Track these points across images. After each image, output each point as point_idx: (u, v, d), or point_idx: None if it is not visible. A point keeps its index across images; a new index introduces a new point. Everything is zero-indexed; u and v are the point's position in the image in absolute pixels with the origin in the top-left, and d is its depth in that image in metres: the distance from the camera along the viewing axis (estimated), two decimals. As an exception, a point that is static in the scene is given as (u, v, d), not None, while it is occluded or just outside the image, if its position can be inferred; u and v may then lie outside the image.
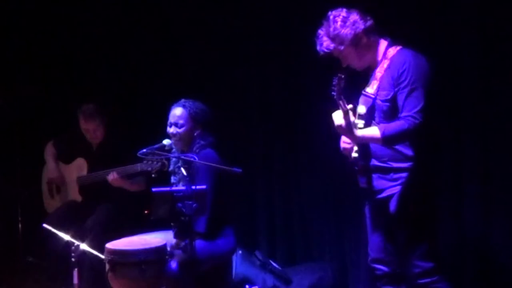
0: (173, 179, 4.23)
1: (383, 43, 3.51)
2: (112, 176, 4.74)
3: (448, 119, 4.18)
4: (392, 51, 3.47)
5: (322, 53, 3.50)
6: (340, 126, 3.34)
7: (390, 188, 3.47)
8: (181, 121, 4.17)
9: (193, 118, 4.18)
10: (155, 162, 4.21)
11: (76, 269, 3.93)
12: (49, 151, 5.24)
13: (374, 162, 3.51)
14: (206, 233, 4.00)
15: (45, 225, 4.23)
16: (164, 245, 3.97)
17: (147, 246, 3.96)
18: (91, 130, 5.01)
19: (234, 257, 4.59)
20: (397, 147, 3.43)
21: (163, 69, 5.58)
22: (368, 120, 3.47)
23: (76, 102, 5.14)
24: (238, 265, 4.75)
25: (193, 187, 3.71)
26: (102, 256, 3.98)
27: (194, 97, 4.29)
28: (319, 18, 3.60)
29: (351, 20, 3.42)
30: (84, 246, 4.00)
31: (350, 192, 4.68)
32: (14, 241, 5.60)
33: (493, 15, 4.01)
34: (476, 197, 4.16)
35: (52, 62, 5.94)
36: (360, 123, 3.42)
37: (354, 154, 3.53)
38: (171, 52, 5.54)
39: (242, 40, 5.17)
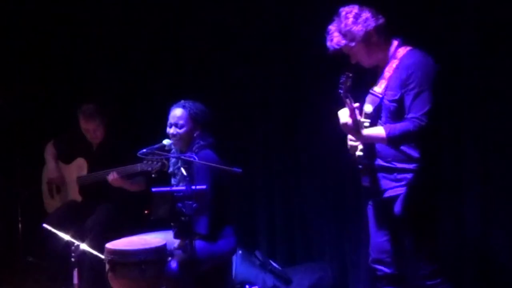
0: (173, 181, 4.23)
1: (393, 43, 3.49)
2: (112, 176, 4.74)
3: (448, 119, 4.18)
4: (402, 51, 3.45)
5: (332, 49, 3.47)
6: (346, 124, 3.32)
7: (393, 188, 3.46)
8: (181, 122, 4.17)
9: (193, 119, 4.18)
10: (155, 162, 4.21)
11: (76, 269, 3.93)
12: (49, 151, 5.24)
13: (379, 161, 3.50)
14: (208, 235, 4.00)
15: (45, 225, 4.23)
16: (164, 245, 3.97)
17: (147, 246, 3.96)
18: (91, 130, 5.01)
19: (234, 257, 4.59)
20: (402, 148, 3.42)
21: (163, 69, 5.58)
22: (374, 119, 3.45)
23: (76, 102, 5.14)
24: (238, 265, 4.75)
25: (193, 187, 3.71)
26: (102, 256, 3.98)
27: (194, 97, 4.30)
28: (319, 18, 3.60)
29: (363, 17, 3.40)
30: (84, 246, 4.01)
31: (350, 192, 4.69)
32: (14, 241, 5.60)
33: (492, 15, 4.01)
34: (476, 197, 4.17)
35: (52, 62, 5.94)
36: (366, 122, 3.40)
37: (359, 153, 3.51)
38: (171, 52, 5.55)
39: (242, 40, 5.17)
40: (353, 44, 3.41)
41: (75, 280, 3.94)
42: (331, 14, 3.71)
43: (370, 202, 3.66)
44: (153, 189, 3.79)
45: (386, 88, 3.44)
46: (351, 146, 3.55)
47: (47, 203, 5.30)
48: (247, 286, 4.73)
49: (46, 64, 5.95)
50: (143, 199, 4.67)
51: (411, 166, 3.42)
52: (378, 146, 3.49)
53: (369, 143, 3.48)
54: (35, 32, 5.89)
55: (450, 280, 3.49)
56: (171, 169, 4.23)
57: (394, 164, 3.46)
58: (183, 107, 4.20)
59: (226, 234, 4.16)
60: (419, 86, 3.31)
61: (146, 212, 4.68)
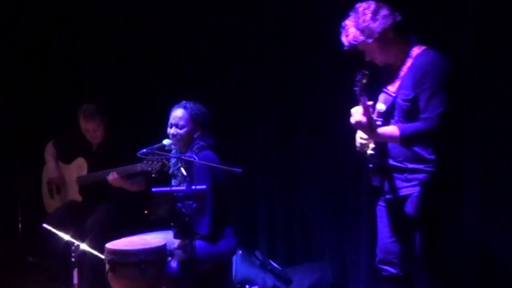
0: (174, 182, 4.23)
1: (408, 41, 3.45)
2: (112, 176, 4.74)
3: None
4: (417, 50, 3.42)
5: (348, 44, 3.41)
6: (359, 122, 3.28)
7: (404, 188, 3.44)
8: (181, 122, 4.18)
9: (193, 120, 4.19)
10: (155, 162, 4.21)
11: (76, 269, 3.94)
12: (49, 151, 5.25)
13: (390, 161, 3.47)
14: (210, 236, 4.00)
15: (45, 225, 4.23)
16: (164, 245, 3.97)
17: (147, 246, 3.96)
18: (91, 130, 5.01)
19: (234, 257, 4.59)
20: (414, 148, 3.39)
21: (163, 69, 5.57)
22: (387, 118, 3.43)
23: (76, 102, 5.14)
24: (238, 265, 4.75)
25: (193, 187, 3.71)
26: (102, 256, 3.98)
27: (194, 97, 4.30)
28: (319, 18, 3.60)
29: (382, 14, 3.35)
30: (84, 246, 4.01)
31: (350, 192, 4.69)
32: (14, 241, 5.59)
33: (492, 15, 4.01)
34: (476, 197, 4.16)
35: (52, 62, 5.94)
36: (378, 121, 3.36)
37: (370, 152, 3.48)
38: (171, 52, 5.54)
39: (242, 40, 5.17)
40: (370, 40, 3.36)
41: (75, 280, 3.94)
42: (331, 14, 3.71)
43: (380, 202, 3.62)
44: (153, 189, 3.79)
45: (400, 87, 3.40)
46: (361, 144, 3.50)
47: (47, 203, 5.30)
48: (247, 286, 4.73)
49: (46, 64, 5.95)
50: (143, 199, 4.67)
51: (422, 166, 3.39)
52: (389, 145, 3.46)
53: (381, 142, 3.44)
54: (35, 32, 5.89)
55: (450, 280, 3.48)
56: (171, 170, 4.24)
57: (405, 164, 3.43)
58: (184, 108, 4.21)
59: (226, 234, 4.16)
60: (434, 86, 3.28)
61: (146, 212, 4.68)
